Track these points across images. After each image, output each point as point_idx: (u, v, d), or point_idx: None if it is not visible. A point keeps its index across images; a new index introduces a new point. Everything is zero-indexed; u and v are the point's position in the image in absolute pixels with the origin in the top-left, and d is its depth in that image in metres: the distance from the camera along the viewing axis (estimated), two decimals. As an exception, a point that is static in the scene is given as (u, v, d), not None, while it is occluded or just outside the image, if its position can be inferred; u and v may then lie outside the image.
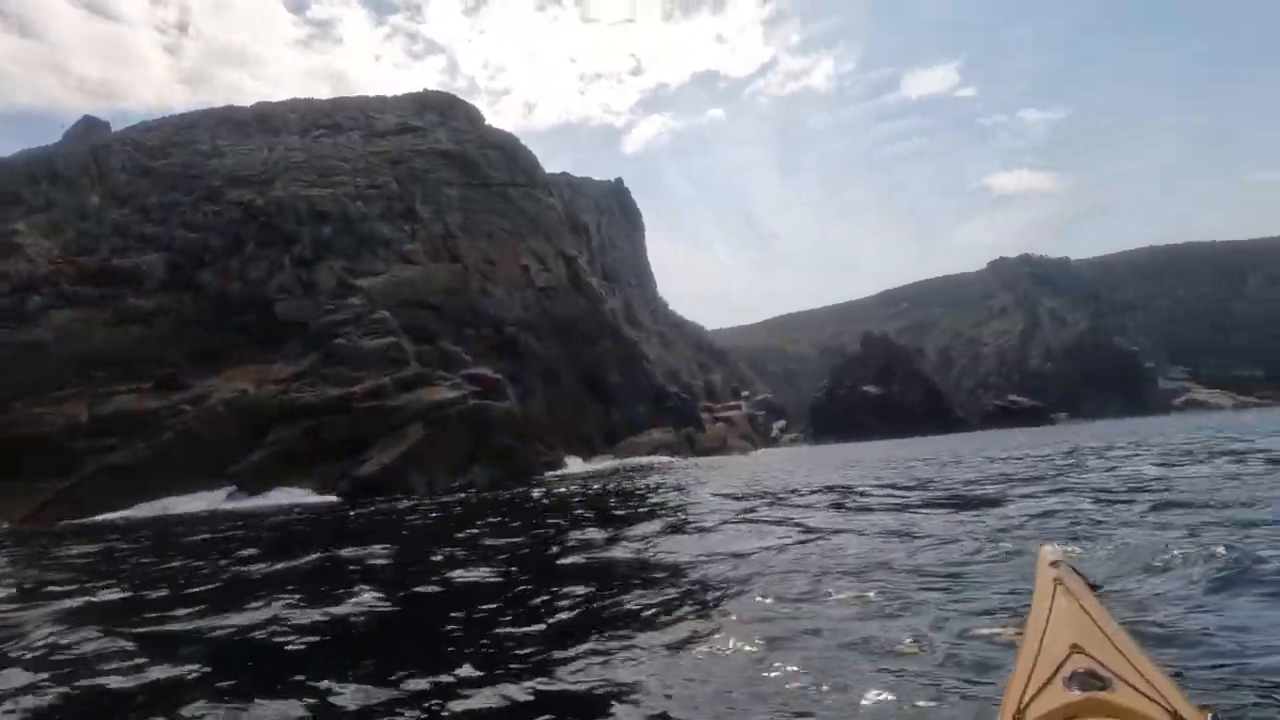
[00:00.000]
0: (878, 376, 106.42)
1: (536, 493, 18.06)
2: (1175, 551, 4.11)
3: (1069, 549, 3.39)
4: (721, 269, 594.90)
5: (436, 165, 44.82)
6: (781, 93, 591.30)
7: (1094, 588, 1.92)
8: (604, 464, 33.59)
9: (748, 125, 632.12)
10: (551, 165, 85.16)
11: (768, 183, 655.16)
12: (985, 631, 2.96)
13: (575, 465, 32.54)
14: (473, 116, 58.72)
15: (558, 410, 36.29)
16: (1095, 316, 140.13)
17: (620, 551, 6.79)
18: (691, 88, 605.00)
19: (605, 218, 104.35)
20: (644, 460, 36.34)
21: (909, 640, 3.03)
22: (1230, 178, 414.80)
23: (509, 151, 52.26)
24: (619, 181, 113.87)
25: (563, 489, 18.90)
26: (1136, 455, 13.89)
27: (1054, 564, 1.92)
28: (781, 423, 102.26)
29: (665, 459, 37.48)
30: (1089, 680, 1.29)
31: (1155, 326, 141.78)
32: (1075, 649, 1.38)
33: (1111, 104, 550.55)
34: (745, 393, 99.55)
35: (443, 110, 55.03)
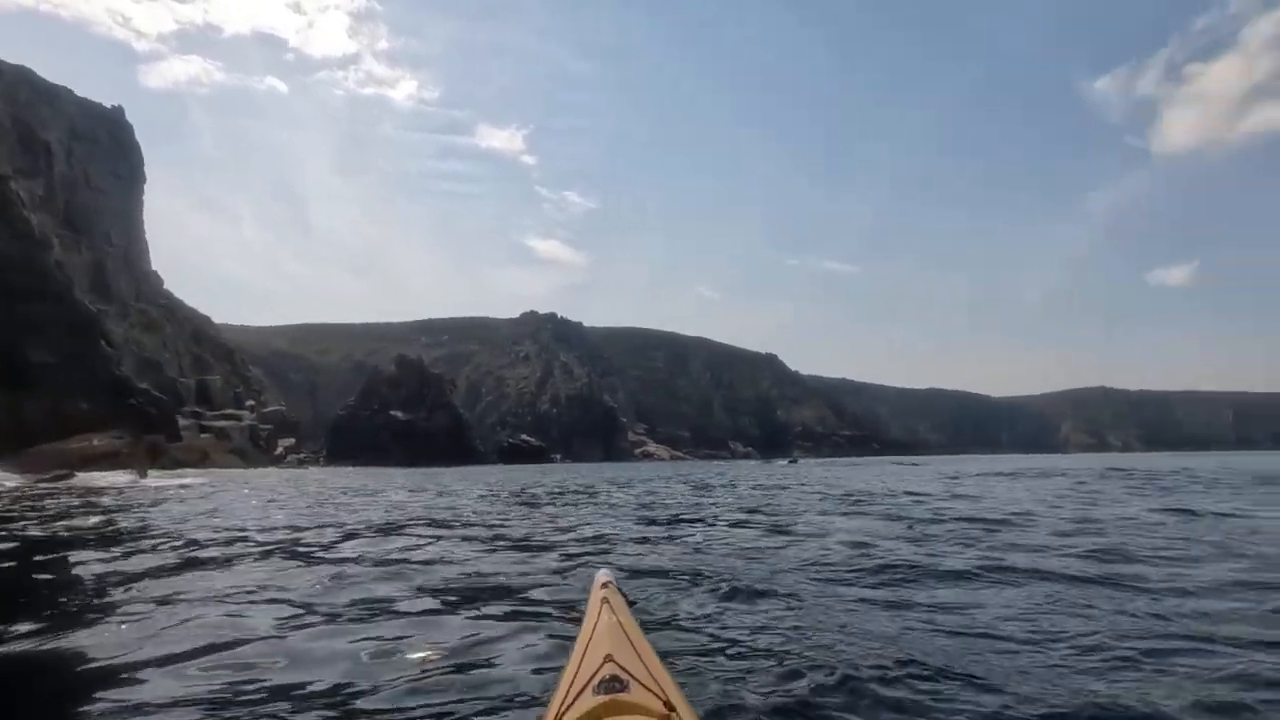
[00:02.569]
0: (407, 401, 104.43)
1: None
2: (699, 571, 4.83)
3: (619, 571, 3.64)
4: (248, 257, 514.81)
5: None
6: (360, 92, 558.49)
7: (632, 604, 2.13)
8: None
9: (313, 111, 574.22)
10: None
11: (322, 178, 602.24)
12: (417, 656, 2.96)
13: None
14: None
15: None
16: (594, 375, 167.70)
17: None
18: (253, 45, 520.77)
19: (84, 147, 78.47)
20: (63, 483, 25.92)
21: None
22: (686, 289, 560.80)
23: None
24: (118, 110, 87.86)
25: None
26: (629, 489, 15.15)
27: (604, 585, 2.10)
28: (290, 440, 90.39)
29: (106, 478, 27.52)
30: (612, 684, 1.50)
31: (633, 389, 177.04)
32: (608, 659, 1.58)
33: (631, 205, 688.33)
34: (251, 401, 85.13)
35: None
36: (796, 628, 3.33)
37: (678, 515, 9.66)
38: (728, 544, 6.45)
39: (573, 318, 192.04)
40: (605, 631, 1.78)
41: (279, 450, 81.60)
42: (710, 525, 8.27)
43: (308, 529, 8.19)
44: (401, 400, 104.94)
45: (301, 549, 6.39)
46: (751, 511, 9.97)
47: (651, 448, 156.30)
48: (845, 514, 9.35)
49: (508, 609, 3.86)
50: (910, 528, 7.42)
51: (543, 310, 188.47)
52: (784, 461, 78.21)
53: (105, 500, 14.95)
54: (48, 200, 65.76)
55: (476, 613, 3.78)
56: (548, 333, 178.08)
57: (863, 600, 3.93)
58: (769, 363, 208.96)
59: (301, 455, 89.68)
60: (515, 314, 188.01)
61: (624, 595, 2.16)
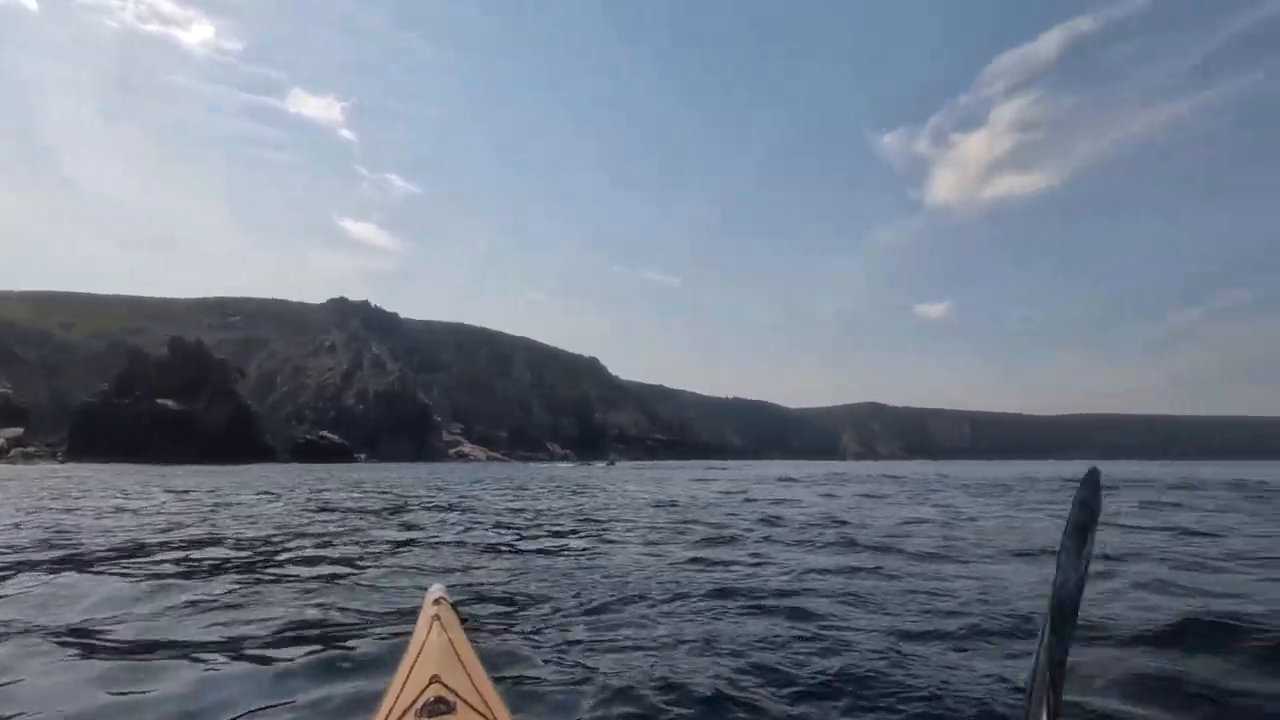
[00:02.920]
0: (181, 389, 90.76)
1: None
2: (533, 587, 4.58)
3: (447, 586, 2.78)
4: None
5: None
6: (140, 28, 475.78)
7: (464, 621, 2.02)
8: None
9: (73, 42, 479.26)
10: None
11: (83, 123, 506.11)
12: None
13: None
14: None
15: None
16: (409, 370, 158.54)
17: None
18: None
19: None
20: None
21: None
22: (513, 288, 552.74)
23: None
24: None
25: None
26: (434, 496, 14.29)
27: (437, 601, 2.00)
28: (16, 431, 75.15)
29: None
30: (437, 706, 1.43)
31: (450, 386, 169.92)
32: (434, 679, 1.51)
33: (459, 196, 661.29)
34: (-40, 381, 69.27)
35: None
36: (637, 645, 3.22)
37: (508, 524, 9.15)
38: (563, 556, 6.19)
39: (388, 308, 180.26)
40: (433, 650, 1.66)
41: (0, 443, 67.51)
42: (546, 536, 7.90)
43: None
44: (174, 388, 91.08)
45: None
46: (584, 520, 9.74)
47: (467, 448, 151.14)
48: (677, 525, 9.43)
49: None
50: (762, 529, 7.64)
51: (354, 298, 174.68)
52: (602, 464, 79.60)
53: None
54: None
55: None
56: (358, 322, 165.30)
57: (702, 613, 3.88)
58: (590, 366, 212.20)
59: (30, 448, 74.71)
60: (321, 299, 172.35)
61: (457, 612, 2.02)
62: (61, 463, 66.73)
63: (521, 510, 11.42)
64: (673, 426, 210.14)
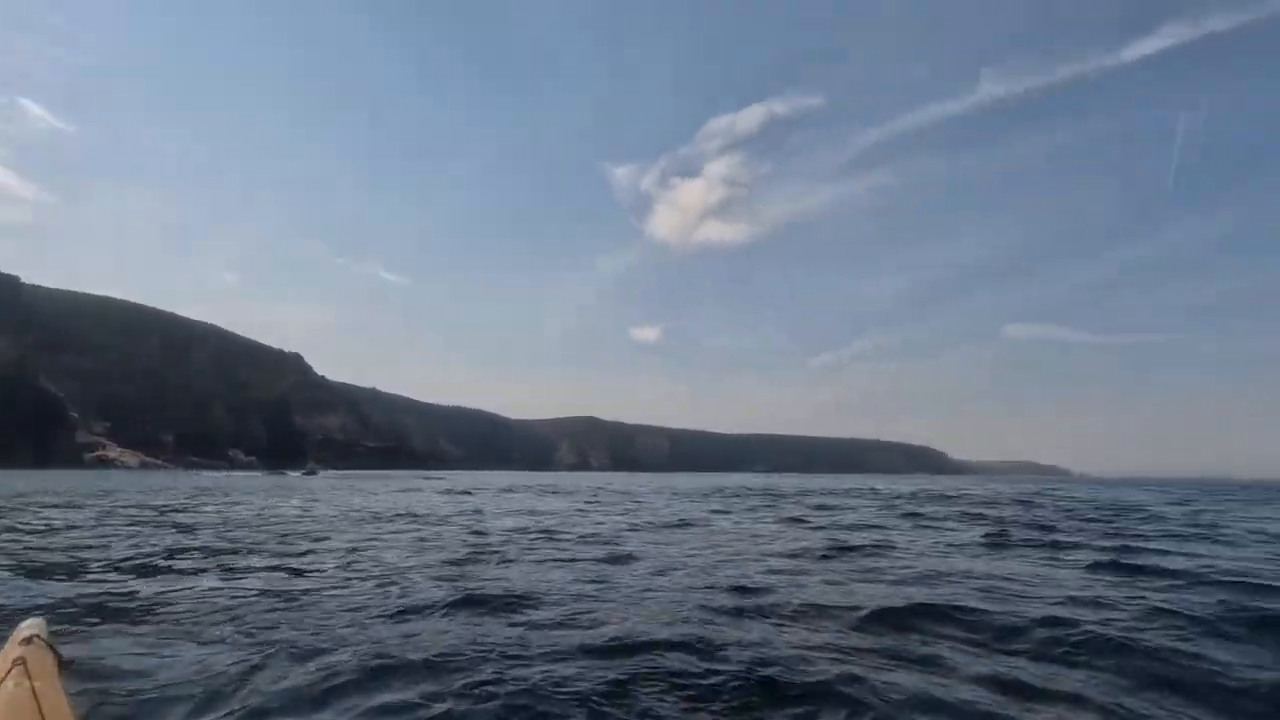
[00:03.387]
0: None
1: None
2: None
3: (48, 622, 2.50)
4: None
5: None
6: None
7: (66, 664, 1.70)
8: None
9: None
10: None
11: None
12: None
13: None
14: None
15: None
16: (32, 351, 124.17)
17: None
18: None
19: None
20: None
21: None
22: (201, 264, 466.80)
23: None
24: None
25: None
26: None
27: (27, 640, 1.63)
28: None
29: None
30: None
31: (93, 376, 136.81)
32: None
33: (129, 142, 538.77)
34: None
35: None
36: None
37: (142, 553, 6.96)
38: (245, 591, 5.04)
39: (10, 270, 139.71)
40: (7, 707, 1.32)
41: None
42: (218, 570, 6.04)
43: None
44: None
45: None
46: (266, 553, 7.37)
47: (112, 452, 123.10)
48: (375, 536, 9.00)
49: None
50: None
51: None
52: (299, 473, 71.19)
53: None
54: None
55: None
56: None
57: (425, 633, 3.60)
58: (293, 363, 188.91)
59: None
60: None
61: (55, 653, 1.67)
62: None
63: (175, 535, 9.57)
64: (385, 433, 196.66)
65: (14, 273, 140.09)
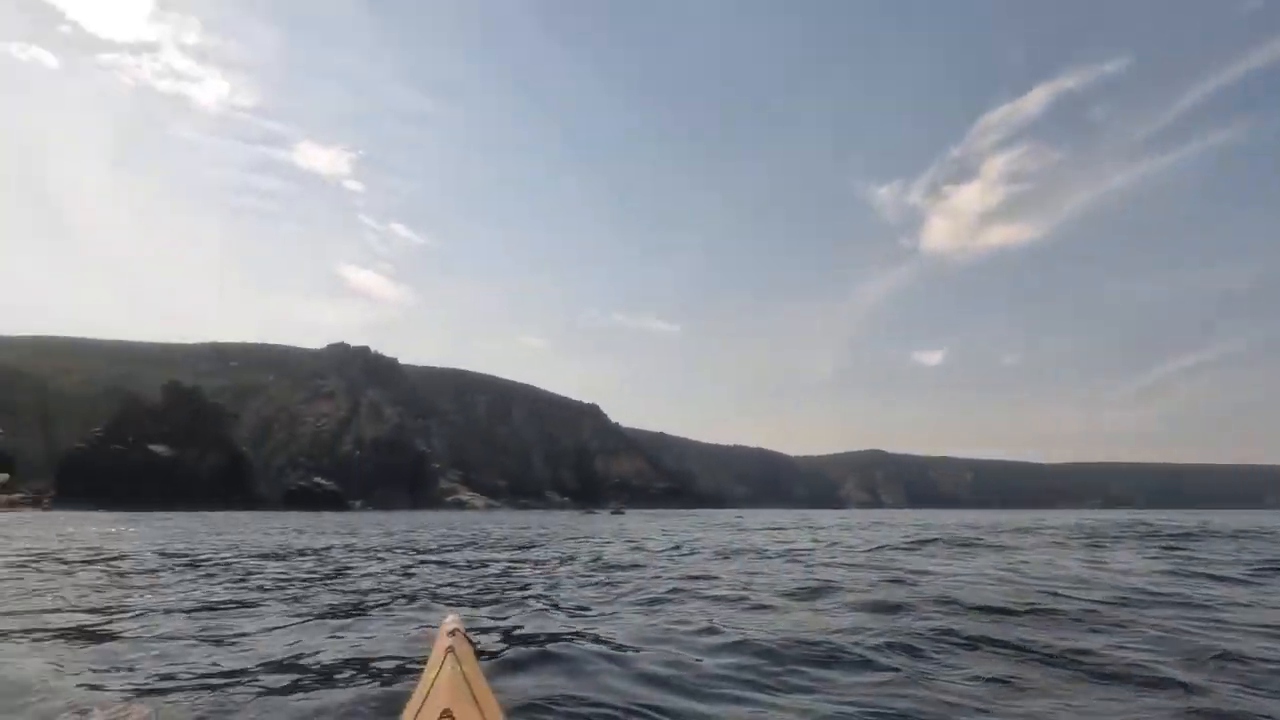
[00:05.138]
0: (175, 434, 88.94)
1: None
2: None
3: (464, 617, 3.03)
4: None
5: None
6: (156, 85, 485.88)
7: (480, 654, 2.02)
8: None
9: (90, 96, 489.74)
10: None
11: (92, 173, 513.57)
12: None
13: None
14: None
15: None
16: (407, 417, 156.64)
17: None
18: (13, 5, 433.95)
19: None
20: None
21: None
22: (512, 335, 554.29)
23: None
24: None
25: None
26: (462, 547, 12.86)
27: (452, 633, 1.95)
28: (3, 476, 73.05)
29: None
30: None
31: (449, 434, 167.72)
32: (446, 714, 1.49)
33: (467, 240, 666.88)
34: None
35: None
36: None
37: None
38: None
39: (388, 353, 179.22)
40: (446, 684, 1.60)
41: (-16, 489, 65.50)
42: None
43: None
44: (167, 433, 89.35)
45: None
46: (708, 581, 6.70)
47: (465, 495, 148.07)
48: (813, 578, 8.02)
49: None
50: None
51: (352, 344, 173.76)
52: (607, 511, 77.36)
53: None
54: None
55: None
56: (357, 368, 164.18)
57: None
58: (591, 413, 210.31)
59: (16, 495, 72.53)
60: (321, 345, 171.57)
61: (472, 645, 1.94)
62: (46, 510, 64.54)
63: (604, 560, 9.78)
64: (675, 475, 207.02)
65: (393, 355, 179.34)
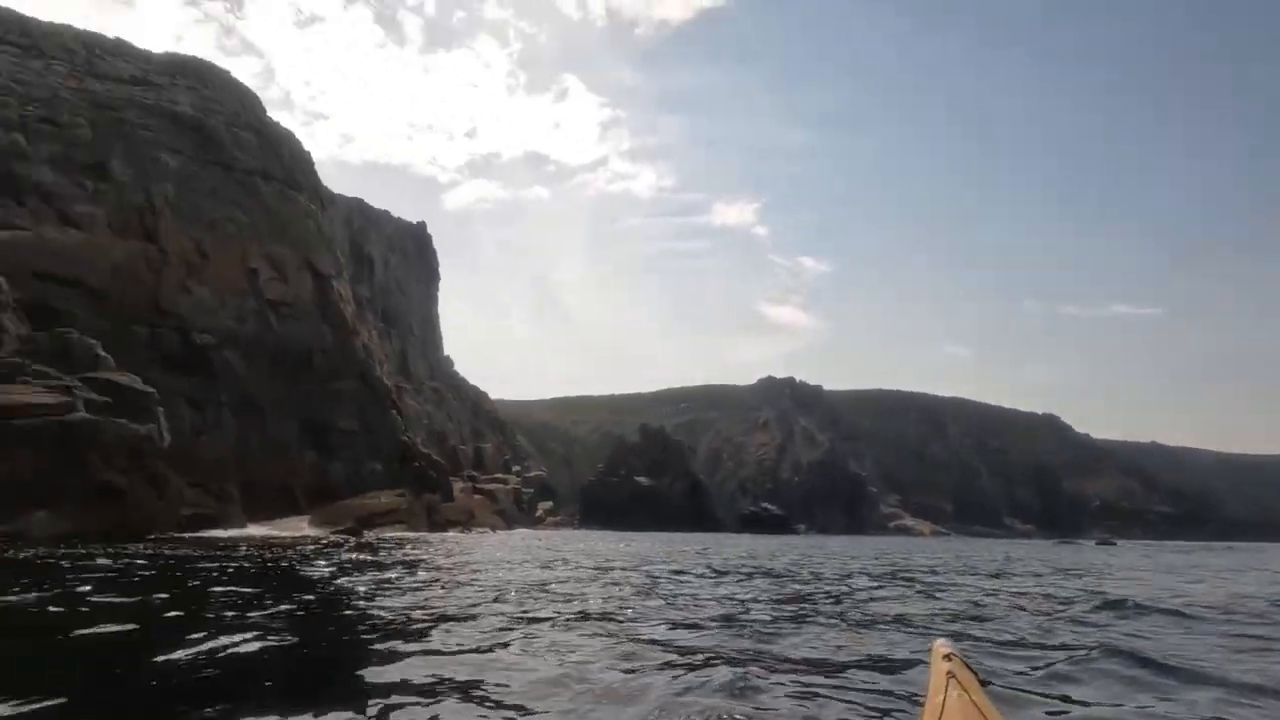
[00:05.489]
0: (650, 468, 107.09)
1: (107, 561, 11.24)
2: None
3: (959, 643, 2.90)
4: (516, 342, 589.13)
5: (159, 126, 35.04)
6: (607, 189, 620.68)
7: (984, 683, 1.82)
8: (294, 529, 25.89)
9: (567, 210, 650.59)
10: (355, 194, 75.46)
11: (574, 268, 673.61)
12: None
13: (251, 528, 24.52)
14: (244, 98, 48.54)
15: (252, 452, 28.03)
16: (836, 441, 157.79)
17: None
18: (523, 163, 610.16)
19: (397, 257, 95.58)
20: (364, 536, 29.07)
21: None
22: (930, 346, 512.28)
23: (273, 142, 43.41)
24: (421, 225, 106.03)
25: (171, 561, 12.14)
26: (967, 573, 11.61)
27: (947, 657, 1.83)
28: (549, 503, 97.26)
29: (392, 533, 30.52)
30: None
31: (877, 456, 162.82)
32: None
33: (871, 259, 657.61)
34: (517, 467, 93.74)
35: (200, 76, 44.75)
36: None
37: None
38: None
39: (810, 381, 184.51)
40: (958, 712, 1.46)
41: (539, 513, 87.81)
42: None
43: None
44: (645, 467, 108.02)
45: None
46: None
47: (909, 521, 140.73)
48: None
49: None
50: None
51: (779, 375, 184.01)
52: (1091, 543, 63.86)
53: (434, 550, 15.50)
54: (370, 300, 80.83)
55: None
56: (786, 398, 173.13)
57: None
58: (1047, 425, 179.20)
59: (559, 518, 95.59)
60: (752, 380, 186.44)
61: (972, 671, 1.74)
62: (575, 528, 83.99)
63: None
64: (1183, 495, 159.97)
65: (817, 383, 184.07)
